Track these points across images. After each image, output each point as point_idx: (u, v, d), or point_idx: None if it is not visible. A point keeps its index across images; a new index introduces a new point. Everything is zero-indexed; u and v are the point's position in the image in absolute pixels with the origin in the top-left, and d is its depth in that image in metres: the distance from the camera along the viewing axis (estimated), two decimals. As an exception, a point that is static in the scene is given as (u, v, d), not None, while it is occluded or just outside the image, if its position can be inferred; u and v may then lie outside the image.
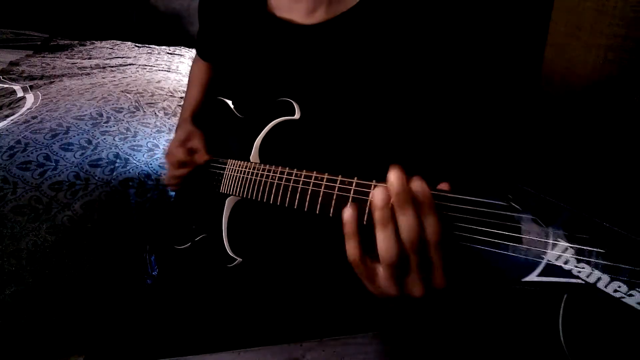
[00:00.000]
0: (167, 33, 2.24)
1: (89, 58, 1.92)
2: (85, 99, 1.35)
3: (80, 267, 0.98)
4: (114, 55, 1.97)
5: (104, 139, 1.15)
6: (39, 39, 2.11)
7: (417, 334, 0.57)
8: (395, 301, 0.43)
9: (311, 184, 0.49)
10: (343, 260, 0.42)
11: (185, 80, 0.95)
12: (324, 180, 0.48)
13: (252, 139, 0.63)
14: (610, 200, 0.30)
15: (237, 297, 0.69)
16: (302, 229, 0.65)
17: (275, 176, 0.55)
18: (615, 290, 0.28)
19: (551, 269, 0.31)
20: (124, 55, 1.97)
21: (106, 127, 1.20)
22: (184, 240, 0.74)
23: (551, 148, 0.77)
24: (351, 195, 0.44)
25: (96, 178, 1.04)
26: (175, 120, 1.34)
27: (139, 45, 2.13)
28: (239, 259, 0.61)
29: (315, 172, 0.50)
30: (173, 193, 1.10)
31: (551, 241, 0.31)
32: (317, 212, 0.48)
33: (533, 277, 0.32)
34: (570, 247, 0.30)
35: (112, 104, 1.32)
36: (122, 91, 1.44)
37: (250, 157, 0.63)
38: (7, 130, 1.14)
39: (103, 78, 1.63)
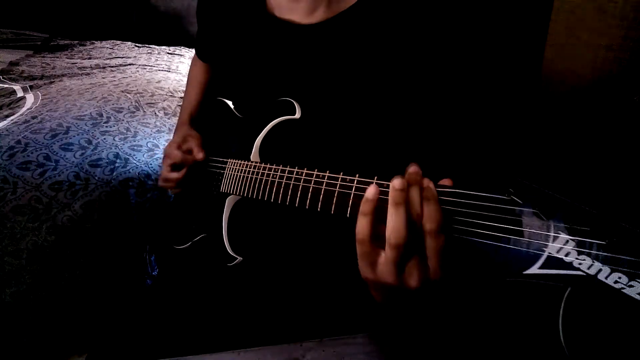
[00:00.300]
0: (167, 33, 2.24)
1: (89, 58, 1.92)
2: (85, 99, 1.35)
3: (81, 267, 0.98)
4: (114, 55, 1.97)
5: (104, 139, 1.15)
6: (39, 39, 2.10)
7: (416, 334, 0.57)
8: (388, 300, 0.44)
9: (312, 181, 0.49)
10: (343, 259, 0.42)
11: (185, 80, 0.95)
12: (326, 178, 0.48)
13: (253, 139, 0.63)
14: (610, 195, 0.30)
15: (237, 297, 0.69)
16: (302, 228, 0.65)
17: (276, 175, 0.55)
18: (616, 282, 0.29)
19: (552, 262, 0.32)
20: (124, 55, 1.97)
21: (106, 127, 1.20)
22: (184, 240, 0.74)
23: (552, 146, 0.77)
24: (353, 192, 0.45)
25: (96, 178, 1.04)
26: (175, 120, 1.34)
27: (139, 45, 2.13)
28: (239, 258, 0.61)
29: (316, 170, 0.50)
30: (173, 193, 1.10)
31: (552, 234, 0.32)
32: (319, 209, 0.48)
33: (534, 269, 0.32)
34: (571, 239, 0.31)
35: (112, 104, 1.32)
36: (122, 91, 1.44)
37: (251, 157, 0.63)
38: (7, 130, 1.14)
39: (103, 78, 1.63)
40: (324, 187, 0.48)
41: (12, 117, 1.23)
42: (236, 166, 0.64)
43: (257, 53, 0.69)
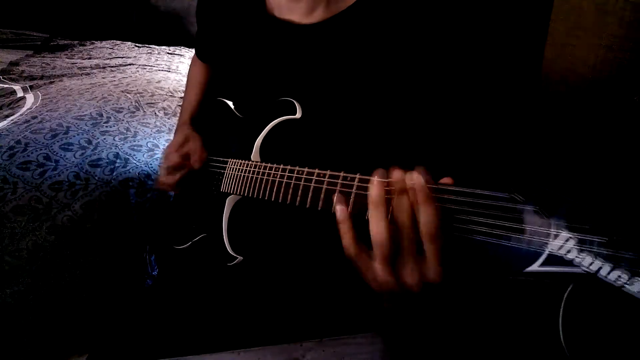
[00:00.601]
0: (167, 33, 2.24)
1: (89, 58, 1.92)
2: (85, 99, 1.35)
3: (81, 267, 0.98)
4: (114, 55, 1.97)
5: (104, 139, 1.15)
6: (39, 39, 2.10)
7: (417, 334, 0.57)
8: (395, 299, 0.44)
9: (313, 180, 0.49)
10: (343, 259, 0.42)
11: (185, 80, 0.95)
12: (326, 177, 0.48)
13: (253, 139, 0.63)
14: (610, 193, 0.30)
15: (237, 297, 0.69)
16: (302, 227, 0.65)
17: (277, 174, 0.55)
18: (617, 279, 0.29)
19: (553, 259, 0.32)
20: (124, 55, 1.97)
21: (106, 127, 1.20)
22: (184, 240, 0.74)
23: (552, 145, 0.77)
24: (354, 191, 0.45)
25: (96, 178, 1.03)
26: (175, 120, 1.34)
27: (139, 45, 2.13)
28: (240, 258, 0.61)
29: (317, 169, 0.50)
30: (173, 193, 1.10)
31: (553, 232, 0.32)
32: (319, 208, 0.48)
33: (535, 267, 0.32)
34: (572, 237, 0.31)
35: (112, 104, 1.32)
36: (122, 91, 1.44)
37: (251, 157, 0.63)
38: (7, 130, 1.14)
39: (103, 78, 1.63)
40: (324, 186, 0.48)
41: (12, 117, 1.23)
42: (236, 166, 0.64)
43: (257, 53, 0.69)
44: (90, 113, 1.24)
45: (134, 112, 1.31)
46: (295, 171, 0.52)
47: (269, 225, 0.68)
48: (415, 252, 0.38)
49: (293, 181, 0.52)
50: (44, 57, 1.91)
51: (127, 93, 1.43)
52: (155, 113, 1.36)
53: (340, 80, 0.61)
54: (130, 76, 1.66)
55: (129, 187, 1.07)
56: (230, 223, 0.64)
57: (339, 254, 0.54)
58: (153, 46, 2.14)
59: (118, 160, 1.09)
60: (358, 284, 0.48)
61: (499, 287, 0.54)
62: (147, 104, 1.39)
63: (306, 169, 0.51)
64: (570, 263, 0.31)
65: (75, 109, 1.25)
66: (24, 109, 1.30)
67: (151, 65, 1.84)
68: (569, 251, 0.31)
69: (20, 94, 1.44)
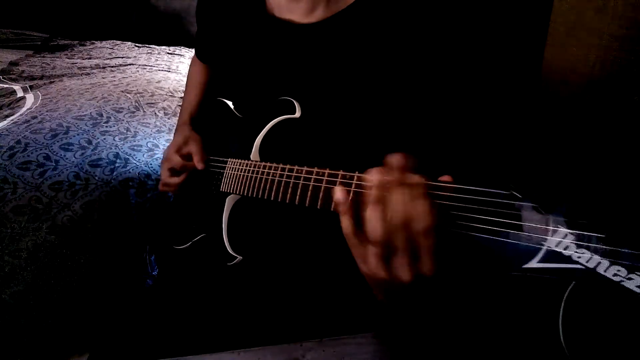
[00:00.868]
0: (167, 33, 2.24)
1: (89, 58, 1.92)
2: (85, 99, 1.35)
3: (81, 267, 0.98)
4: (114, 55, 1.97)
5: (104, 139, 1.15)
6: (39, 39, 2.10)
7: (417, 334, 0.57)
8: (388, 296, 0.44)
9: (312, 179, 0.49)
10: (344, 259, 0.42)
11: (185, 80, 0.95)
12: (325, 175, 0.48)
13: (253, 138, 0.63)
14: (609, 193, 0.30)
15: (237, 297, 0.69)
16: (302, 226, 0.65)
17: (277, 173, 0.55)
18: (615, 274, 0.29)
19: (552, 255, 0.32)
20: (124, 55, 1.97)
21: (106, 127, 1.20)
22: (184, 240, 0.74)
23: (551, 145, 0.77)
24: (352, 189, 0.45)
25: (96, 178, 1.03)
26: (175, 120, 1.34)
27: (139, 45, 2.13)
28: (240, 257, 0.61)
29: (316, 167, 0.50)
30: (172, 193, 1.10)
31: (551, 228, 0.32)
32: (319, 206, 0.48)
33: (533, 263, 0.32)
34: (570, 233, 0.31)
35: (112, 104, 1.32)
36: (122, 91, 1.44)
37: (251, 156, 0.63)
38: (7, 130, 1.14)
39: (103, 78, 1.63)
40: (323, 184, 0.48)
41: (12, 117, 1.24)
42: (236, 165, 0.65)
43: (257, 53, 0.69)
44: (90, 113, 1.24)
45: (134, 112, 1.31)
46: (295, 170, 0.52)
47: (268, 225, 0.68)
48: (409, 247, 0.38)
49: (292, 180, 0.52)
50: (44, 57, 1.91)
51: (127, 93, 1.43)
52: (155, 113, 1.36)
53: (340, 80, 0.61)
54: (130, 76, 1.66)
55: (129, 187, 1.07)
56: (230, 223, 0.64)
57: (338, 254, 0.54)
58: (153, 46, 2.14)
59: (118, 160, 1.09)
60: (358, 284, 0.48)
61: (498, 284, 0.54)
62: (147, 104, 1.39)
63: (305, 168, 0.51)
64: (568, 259, 0.31)
65: (75, 109, 1.25)
66: (24, 109, 1.30)
67: (151, 65, 1.84)
68: (567, 247, 0.31)
69: (20, 94, 1.44)
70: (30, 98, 1.39)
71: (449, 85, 0.61)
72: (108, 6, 2.25)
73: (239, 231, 0.64)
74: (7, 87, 1.50)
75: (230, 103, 0.75)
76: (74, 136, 1.12)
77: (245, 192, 0.61)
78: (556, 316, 0.31)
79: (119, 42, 2.15)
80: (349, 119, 0.61)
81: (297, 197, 0.51)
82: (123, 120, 1.26)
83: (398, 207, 0.38)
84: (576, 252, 0.31)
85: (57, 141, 1.10)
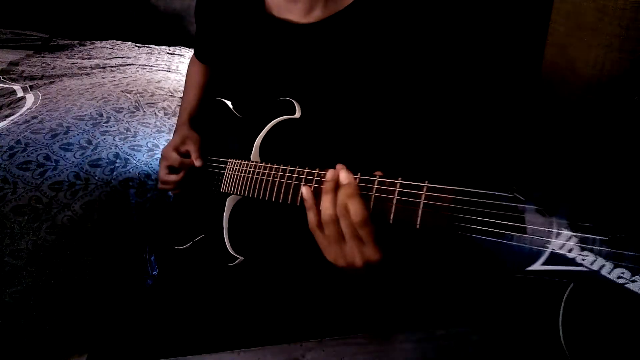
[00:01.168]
0: (167, 33, 2.23)
1: (89, 58, 1.92)
2: (85, 99, 1.35)
3: (80, 267, 0.98)
4: (114, 55, 1.97)
5: (104, 139, 1.15)
6: (39, 39, 2.10)
7: (417, 334, 0.57)
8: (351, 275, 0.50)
9: (314, 180, 0.49)
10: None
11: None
12: (325, 176, 0.48)
13: (253, 139, 0.63)
14: (611, 192, 0.30)
15: (237, 297, 0.69)
16: (303, 227, 0.65)
17: (277, 174, 0.55)
18: (619, 277, 0.29)
19: (555, 258, 0.32)
20: (124, 55, 1.96)
21: (106, 127, 1.20)
22: (184, 240, 0.74)
23: (553, 144, 0.77)
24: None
25: (96, 178, 1.03)
26: (175, 120, 1.33)
27: (139, 45, 2.13)
28: (241, 258, 0.61)
29: (317, 169, 0.50)
30: (172, 193, 1.09)
31: (555, 230, 0.32)
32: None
33: (537, 265, 0.32)
34: (574, 235, 0.31)
35: (112, 104, 1.32)
36: (122, 91, 1.44)
37: (251, 157, 0.63)
38: (7, 130, 1.14)
39: (103, 78, 1.63)
40: (323, 186, 0.48)
41: (12, 117, 1.23)
42: (236, 166, 0.64)
43: (256, 53, 0.69)
44: (90, 113, 1.24)
45: (134, 112, 1.31)
46: (295, 171, 0.52)
47: (269, 225, 0.68)
48: (354, 235, 0.46)
49: (293, 181, 0.52)
50: (44, 57, 1.91)
51: (127, 93, 1.43)
52: (155, 113, 1.35)
53: (339, 80, 0.61)
54: (130, 76, 1.66)
55: (129, 187, 1.07)
56: (230, 223, 0.64)
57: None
58: (153, 46, 2.14)
59: (118, 160, 1.09)
60: (358, 284, 0.48)
61: (502, 286, 0.54)
62: (147, 104, 1.39)
63: (306, 169, 0.51)
64: (572, 261, 0.31)
65: (75, 109, 1.25)
66: (24, 109, 1.30)
67: (151, 65, 1.84)
68: (570, 250, 0.31)
69: (20, 94, 1.44)
70: (30, 98, 1.39)
71: (448, 85, 0.61)
72: (108, 6, 2.25)
73: (239, 232, 0.64)
74: (7, 87, 1.50)
75: (229, 103, 0.75)
76: (74, 136, 1.12)
77: (246, 192, 0.61)
78: (556, 317, 0.31)
79: (119, 42, 2.14)
80: (349, 119, 0.61)
81: (298, 198, 0.51)
82: (123, 120, 1.26)
83: (336, 203, 0.46)
84: (580, 254, 0.31)
85: (57, 141, 1.10)
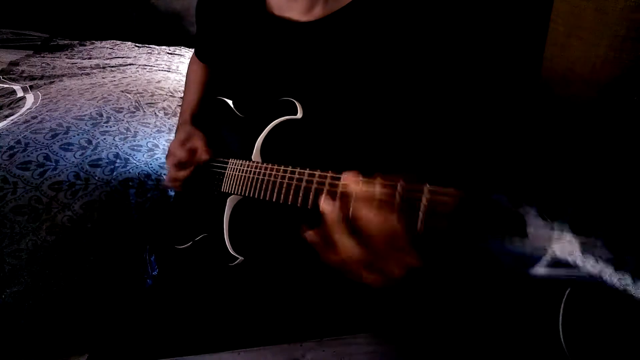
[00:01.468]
0: (167, 33, 2.23)
1: (89, 58, 1.92)
2: (85, 99, 1.35)
3: (80, 267, 0.98)
4: (114, 55, 1.97)
5: (104, 139, 1.15)
6: (39, 39, 2.10)
7: (417, 334, 0.57)
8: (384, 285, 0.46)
9: (315, 181, 0.49)
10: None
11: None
12: (328, 178, 0.48)
13: (254, 139, 0.63)
14: (612, 194, 0.30)
15: (237, 297, 0.69)
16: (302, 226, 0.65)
17: (278, 174, 0.55)
18: (620, 282, 0.29)
19: (556, 262, 0.32)
20: (124, 55, 1.96)
21: (106, 127, 1.20)
22: (185, 240, 0.74)
23: (553, 147, 0.77)
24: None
25: (96, 178, 1.03)
26: (175, 120, 1.33)
27: (139, 45, 2.13)
28: (241, 258, 0.61)
29: (318, 170, 0.50)
30: (173, 193, 1.10)
31: (556, 235, 0.32)
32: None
33: (538, 269, 0.32)
34: (575, 239, 0.31)
35: (112, 104, 1.32)
36: (122, 91, 1.44)
37: (252, 157, 0.63)
38: (7, 130, 1.14)
39: (103, 78, 1.63)
40: (326, 187, 0.48)
41: (12, 117, 1.23)
42: (237, 166, 0.64)
43: (256, 52, 0.69)
44: (90, 113, 1.24)
45: (134, 112, 1.31)
46: (297, 172, 0.52)
47: (270, 226, 0.68)
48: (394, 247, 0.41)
49: (294, 182, 0.52)
50: (44, 57, 1.91)
51: (127, 93, 1.43)
52: (155, 113, 1.35)
53: (340, 79, 0.61)
54: (130, 76, 1.66)
55: (129, 187, 1.07)
56: (231, 223, 0.64)
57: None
58: (153, 46, 2.14)
59: (118, 160, 1.09)
60: (357, 283, 0.48)
61: (502, 290, 0.54)
62: (147, 104, 1.39)
63: (307, 170, 0.51)
64: (573, 266, 0.31)
65: (75, 109, 1.25)
66: (24, 109, 1.30)
67: (151, 65, 1.84)
68: (571, 254, 0.31)
69: (20, 94, 1.44)
70: (30, 98, 1.39)
71: (449, 83, 0.61)
72: (108, 6, 2.25)
73: (240, 232, 0.64)
74: (7, 87, 1.50)
75: (230, 102, 0.75)
76: (74, 136, 1.12)
77: (247, 193, 0.61)
78: (556, 318, 0.31)
79: (119, 42, 2.14)
80: (350, 119, 0.61)
81: (299, 199, 0.51)
82: (123, 120, 1.26)
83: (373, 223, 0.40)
84: (580, 258, 0.31)
85: (57, 141, 1.10)
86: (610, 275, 0.29)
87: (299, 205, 0.51)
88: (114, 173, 1.06)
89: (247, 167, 0.62)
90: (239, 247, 0.62)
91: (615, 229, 0.29)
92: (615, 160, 0.64)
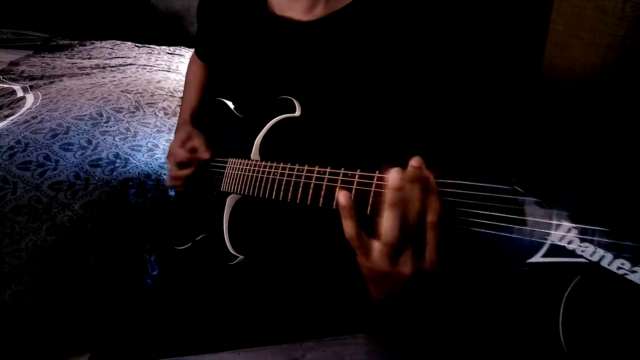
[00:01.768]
0: (167, 33, 2.23)
1: (89, 58, 1.92)
2: (85, 99, 1.35)
3: (80, 267, 0.98)
4: (114, 55, 1.97)
5: (104, 139, 1.15)
6: (39, 39, 2.10)
7: (416, 333, 0.57)
8: (384, 291, 0.44)
9: (313, 177, 0.49)
10: (343, 257, 0.42)
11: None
12: (327, 173, 0.48)
13: (253, 138, 0.63)
14: (610, 186, 0.30)
15: (237, 296, 0.69)
16: (303, 226, 0.65)
17: (277, 172, 0.55)
18: (619, 268, 0.29)
19: (555, 250, 0.32)
20: (124, 55, 1.96)
21: (106, 127, 1.20)
22: (185, 240, 0.74)
23: (553, 145, 0.77)
24: (354, 187, 0.45)
25: (96, 178, 1.03)
26: (175, 120, 1.34)
27: (139, 45, 2.13)
28: (241, 257, 0.61)
29: (317, 166, 0.50)
30: (173, 193, 1.10)
31: (555, 222, 0.32)
32: (320, 205, 0.48)
33: (537, 258, 0.32)
34: (574, 227, 0.31)
35: (112, 104, 1.32)
36: (122, 91, 1.44)
37: (251, 156, 0.63)
38: (7, 130, 1.14)
39: (103, 78, 1.63)
40: (325, 182, 0.48)
41: (12, 117, 1.23)
42: (236, 165, 0.64)
43: (257, 51, 0.69)
44: (90, 113, 1.24)
45: (134, 112, 1.31)
46: (295, 169, 0.52)
47: (269, 224, 0.68)
48: (418, 241, 0.39)
49: (293, 179, 0.52)
50: (44, 57, 1.91)
51: (127, 93, 1.43)
52: (155, 113, 1.36)
53: (340, 78, 0.61)
54: (130, 76, 1.66)
55: (129, 187, 1.07)
56: (231, 222, 0.64)
57: (339, 253, 0.54)
58: (153, 46, 2.14)
59: (118, 160, 1.09)
60: (358, 284, 0.48)
61: (501, 279, 0.54)
62: (147, 104, 1.39)
63: (306, 167, 0.51)
64: (572, 253, 0.31)
65: (75, 109, 1.25)
66: (24, 109, 1.30)
67: (151, 65, 1.84)
68: (570, 241, 0.31)
69: (20, 94, 1.44)
70: (30, 98, 1.39)
71: (449, 82, 0.61)
72: (108, 6, 2.25)
73: (240, 231, 0.64)
74: (7, 87, 1.50)
75: (230, 103, 0.75)
76: (74, 136, 1.12)
77: (246, 191, 0.61)
78: (556, 315, 0.31)
79: (119, 42, 2.14)
80: (349, 117, 0.61)
81: (299, 196, 0.51)
82: (123, 120, 1.26)
83: (414, 204, 0.38)
84: (580, 246, 0.31)
85: (57, 141, 1.10)
86: (609, 262, 0.29)
87: (298, 202, 0.51)
88: (114, 173, 1.06)
89: (247, 165, 0.62)
90: (238, 245, 0.62)
91: (613, 216, 0.29)
92: (615, 153, 0.64)
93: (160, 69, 1.81)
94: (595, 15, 0.78)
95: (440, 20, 0.59)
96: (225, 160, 0.68)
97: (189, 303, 0.70)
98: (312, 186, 0.49)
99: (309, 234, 0.65)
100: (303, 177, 0.51)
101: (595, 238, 0.30)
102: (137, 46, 2.11)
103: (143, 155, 1.14)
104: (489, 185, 0.36)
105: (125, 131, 1.21)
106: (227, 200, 0.65)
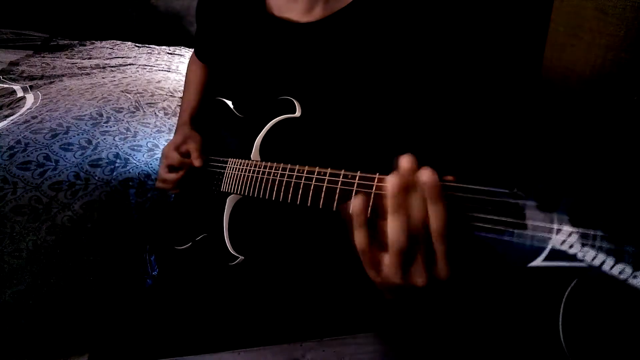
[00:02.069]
0: (167, 33, 2.24)
1: (89, 58, 1.92)
2: (85, 99, 1.35)
3: (80, 267, 0.98)
4: (114, 55, 1.97)
5: (104, 139, 1.15)
6: (39, 39, 2.10)
7: (417, 334, 0.57)
8: (397, 297, 0.43)
9: (314, 179, 0.49)
10: (343, 257, 0.42)
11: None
12: (327, 175, 0.48)
13: (253, 138, 0.63)
14: (611, 189, 0.30)
15: (237, 296, 0.69)
16: (303, 226, 0.65)
17: (277, 173, 0.55)
18: (621, 272, 0.29)
19: (556, 254, 0.31)
20: (124, 55, 1.96)
21: (106, 127, 1.20)
22: (185, 240, 0.74)
23: (553, 145, 0.77)
24: (354, 188, 0.45)
25: (96, 178, 1.03)
26: (175, 120, 1.34)
27: (139, 45, 2.13)
28: (241, 257, 0.61)
29: (317, 167, 0.50)
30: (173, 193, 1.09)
31: (555, 226, 0.32)
32: (320, 206, 0.48)
33: (538, 262, 0.32)
34: (575, 231, 0.31)
35: (112, 104, 1.32)
36: (122, 91, 1.44)
37: (251, 156, 0.63)
38: (7, 130, 1.14)
39: (103, 78, 1.63)
40: (325, 184, 0.48)
41: (12, 117, 1.23)
42: (236, 165, 0.64)
43: (256, 52, 0.69)
44: (90, 113, 1.24)
45: (134, 112, 1.31)
46: (296, 170, 0.52)
47: (269, 225, 0.68)
48: (427, 252, 0.37)
49: (293, 180, 0.52)
50: (44, 57, 1.91)
51: (127, 93, 1.43)
52: (155, 113, 1.35)
53: (340, 78, 0.61)
54: (130, 76, 1.66)
55: (129, 187, 1.07)
56: (231, 223, 0.64)
57: (339, 253, 0.54)
58: (153, 46, 2.14)
59: (118, 160, 1.09)
60: (358, 283, 0.48)
61: (502, 283, 0.54)
62: (147, 104, 1.39)
63: (306, 168, 0.51)
64: (573, 257, 0.31)
65: (75, 109, 1.25)
66: (24, 109, 1.30)
67: (151, 65, 1.84)
68: (571, 246, 0.31)
69: (20, 94, 1.44)
70: (30, 98, 1.39)
71: (449, 84, 0.61)
72: (108, 6, 2.25)
73: (240, 231, 0.64)
74: (7, 87, 1.50)
75: (230, 103, 0.75)
76: (74, 136, 1.12)
77: (246, 192, 0.61)
78: (556, 316, 0.31)
79: (119, 42, 2.14)
80: (349, 118, 0.61)
81: (299, 197, 0.51)
82: (123, 120, 1.26)
83: (418, 210, 0.37)
84: (581, 250, 0.30)
85: (57, 141, 1.10)
86: (610, 267, 0.29)
87: (298, 203, 0.51)
88: (114, 173, 1.06)
89: (247, 166, 0.62)
90: (239, 246, 0.62)
91: (614, 220, 0.29)
92: (615, 156, 0.64)
93: (160, 69, 1.81)
94: (595, 15, 0.78)
95: (439, 21, 0.59)
96: (226, 160, 0.68)
97: (189, 303, 0.70)
98: (312, 187, 0.49)
99: (309, 234, 0.65)
100: (303, 179, 0.51)
101: (596, 242, 0.30)
102: (137, 46, 2.11)
103: (143, 155, 1.14)
104: (490, 188, 0.35)
105: (125, 131, 1.21)
106: (227, 200, 0.65)
